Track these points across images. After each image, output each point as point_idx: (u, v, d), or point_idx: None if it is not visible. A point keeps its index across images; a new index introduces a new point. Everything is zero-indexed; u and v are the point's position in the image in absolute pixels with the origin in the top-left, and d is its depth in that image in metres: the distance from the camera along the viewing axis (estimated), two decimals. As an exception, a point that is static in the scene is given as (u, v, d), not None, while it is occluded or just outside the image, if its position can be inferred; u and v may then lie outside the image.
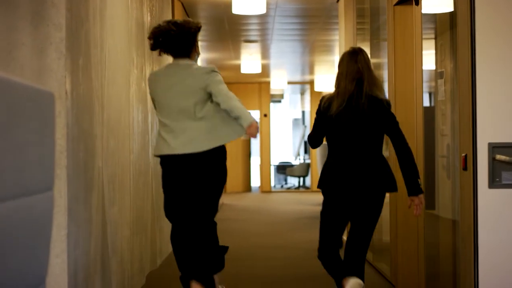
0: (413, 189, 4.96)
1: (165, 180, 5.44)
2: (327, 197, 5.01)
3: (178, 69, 5.33)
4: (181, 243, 5.39)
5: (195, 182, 5.24)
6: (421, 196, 4.96)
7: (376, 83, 5.04)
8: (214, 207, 5.41)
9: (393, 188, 5.07)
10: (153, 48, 5.43)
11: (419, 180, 5.00)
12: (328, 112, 4.96)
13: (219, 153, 5.23)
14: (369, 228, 5.02)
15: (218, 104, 5.13)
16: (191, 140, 5.13)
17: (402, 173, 5.03)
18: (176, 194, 5.38)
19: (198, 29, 5.56)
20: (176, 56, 5.40)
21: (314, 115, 5.14)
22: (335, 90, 5.02)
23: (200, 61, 16.80)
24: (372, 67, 5.13)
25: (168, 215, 5.51)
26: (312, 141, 5.15)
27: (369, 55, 5.20)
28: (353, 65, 5.01)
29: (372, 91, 4.98)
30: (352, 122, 4.92)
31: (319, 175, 5.20)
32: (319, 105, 5.07)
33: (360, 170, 4.89)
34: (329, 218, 5.02)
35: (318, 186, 5.05)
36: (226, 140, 5.18)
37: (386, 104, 5.02)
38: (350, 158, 4.91)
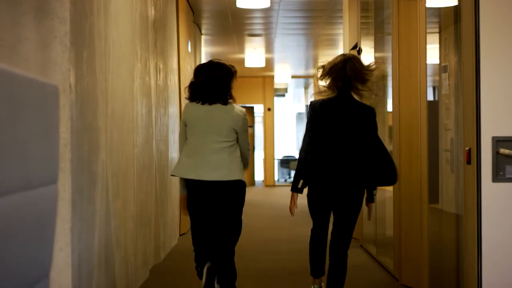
0: (370, 199, 5.58)
1: (194, 203, 5.69)
2: (313, 191, 5.40)
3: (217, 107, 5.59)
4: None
5: (234, 203, 5.61)
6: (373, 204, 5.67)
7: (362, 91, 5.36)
8: (239, 222, 5.81)
9: (366, 185, 5.46)
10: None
11: (375, 191, 5.58)
12: (319, 117, 5.30)
13: (243, 184, 5.64)
14: (351, 221, 5.48)
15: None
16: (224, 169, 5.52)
17: (370, 179, 5.42)
18: (210, 213, 5.64)
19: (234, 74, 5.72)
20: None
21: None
22: (325, 95, 5.37)
23: (203, 54, 16.82)
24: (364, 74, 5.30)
25: (198, 244, 5.79)
26: (309, 153, 5.35)
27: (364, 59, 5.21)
28: (343, 72, 5.24)
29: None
30: (341, 125, 5.27)
31: None
32: (312, 111, 5.36)
33: (344, 169, 5.25)
34: (316, 209, 5.50)
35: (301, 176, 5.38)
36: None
37: (373, 113, 5.41)
38: (337, 158, 5.26)
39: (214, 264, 5.49)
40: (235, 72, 5.70)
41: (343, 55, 5.43)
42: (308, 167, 5.33)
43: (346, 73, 5.21)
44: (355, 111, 5.28)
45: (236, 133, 5.55)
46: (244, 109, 5.71)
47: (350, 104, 5.29)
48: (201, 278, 5.58)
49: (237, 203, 5.62)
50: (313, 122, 5.31)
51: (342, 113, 5.26)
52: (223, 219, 5.59)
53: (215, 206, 5.55)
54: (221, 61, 5.71)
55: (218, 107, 5.53)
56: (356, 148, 5.27)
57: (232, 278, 5.70)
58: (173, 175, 5.77)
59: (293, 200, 5.55)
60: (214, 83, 5.51)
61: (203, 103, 5.53)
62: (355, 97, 5.35)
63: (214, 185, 5.46)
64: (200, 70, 5.66)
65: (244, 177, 5.65)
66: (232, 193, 5.53)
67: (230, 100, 5.58)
